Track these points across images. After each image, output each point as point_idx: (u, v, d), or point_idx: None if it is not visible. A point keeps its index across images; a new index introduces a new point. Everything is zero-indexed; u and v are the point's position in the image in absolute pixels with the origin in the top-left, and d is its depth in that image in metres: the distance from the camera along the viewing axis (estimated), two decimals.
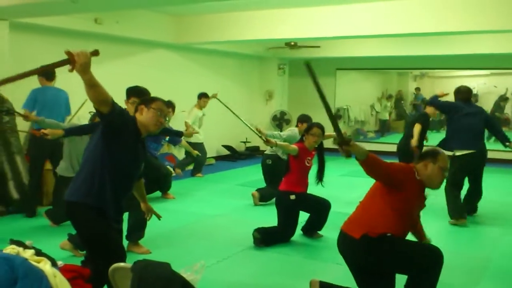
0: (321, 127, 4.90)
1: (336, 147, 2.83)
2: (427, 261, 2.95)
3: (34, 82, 5.90)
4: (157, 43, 8.85)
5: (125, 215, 3.27)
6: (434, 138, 7.16)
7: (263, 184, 6.77)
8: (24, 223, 5.44)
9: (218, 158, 10.72)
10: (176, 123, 8.63)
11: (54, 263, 2.80)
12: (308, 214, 5.05)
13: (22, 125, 6.26)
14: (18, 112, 5.75)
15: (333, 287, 3.24)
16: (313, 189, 4.99)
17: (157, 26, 8.49)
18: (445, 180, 3.24)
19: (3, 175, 5.78)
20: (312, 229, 5.05)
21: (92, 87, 2.61)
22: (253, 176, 8.25)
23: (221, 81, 10.67)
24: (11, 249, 2.66)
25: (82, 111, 6.19)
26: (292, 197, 4.77)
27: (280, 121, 11.40)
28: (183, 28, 8.86)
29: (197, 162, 8.31)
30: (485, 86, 14.48)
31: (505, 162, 10.69)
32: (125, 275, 2.42)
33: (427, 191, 3.12)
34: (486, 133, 5.74)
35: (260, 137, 5.35)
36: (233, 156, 10.89)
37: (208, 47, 9.80)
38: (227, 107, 6.41)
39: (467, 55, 10.01)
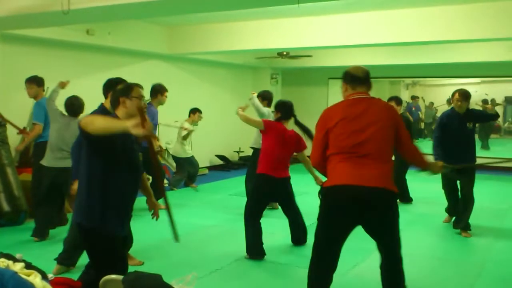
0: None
1: None
2: None
3: (25, 95, 5.88)
4: (150, 53, 8.86)
5: None
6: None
7: None
8: (14, 235, 5.38)
9: (211, 168, 10.70)
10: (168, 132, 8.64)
11: (44, 276, 2.77)
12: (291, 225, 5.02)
13: (13, 137, 6.23)
14: (18, 128, 5.89)
15: None
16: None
17: (150, 36, 8.50)
18: None
19: None
20: (297, 240, 5.02)
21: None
22: None
23: (214, 91, 10.69)
24: (0, 262, 2.64)
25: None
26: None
27: None
28: (176, 39, 8.88)
29: (190, 175, 8.26)
30: (477, 94, 14.61)
31: (498, 170, 10.73)
32: (116, 287, 2.39)
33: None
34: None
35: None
36: (227, 166, 10.88)
37: (201, 57, 9.82)
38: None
39: (458, 63, 10.10)
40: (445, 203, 5.97)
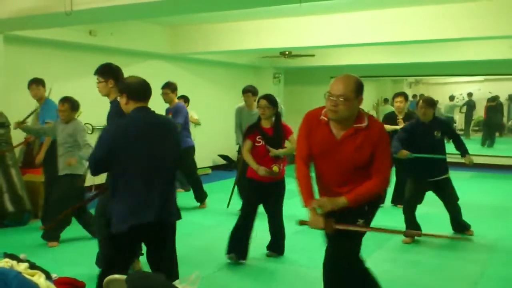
0: (268, 98, 4.51)
1: None
2: None
3: (28, 95, 5.92)
4: (152, 54, 8.87)
5: None
6: None
7: None
8: (18, 236, 5.41)
9: (214, 167, 10.71)
10: None
11: (48, 276, 2.79)
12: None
13: (17, 138, 6.25)
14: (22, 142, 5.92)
15: None
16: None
17: (152, 37, 8.51)
18: None
19: None
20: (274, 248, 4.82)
21: None
22: None
23: (217, 91, 10.69)
24: (5, 263, 2.65)
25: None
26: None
27: None
28: (178, 39, 8.89)
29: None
30: (480, 92, 14.56)
31: (502, 168, 10.71)
32: (119, 286, 2.40)
33: None
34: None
35: None
36: (229, 166, 10.88)
37: (203, 57, 9.83)
38: None
39: (461, 61, 10.07)
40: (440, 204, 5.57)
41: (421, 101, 5.29)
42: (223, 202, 7.11)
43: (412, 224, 5.27)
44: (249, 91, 6.43)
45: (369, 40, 7.56)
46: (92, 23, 6.99)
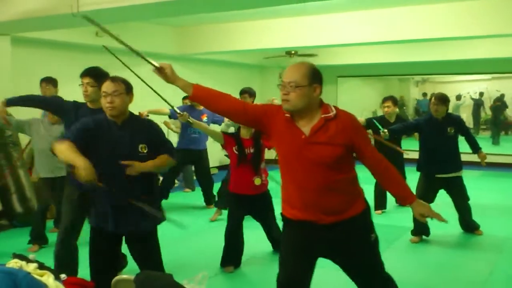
0: None
1: None
2: None
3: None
4: (158, 54, 8.87)
5: None
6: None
7: None
8: (27, 237, 5.42)
9: (221, 167, 10.72)
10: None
11: (57, 276, 2.79)
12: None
13: (24, 139, 6.28)
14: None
15: None
16: None
17: (158, 37, 8.53)
18: None
19: (6, 188, 5.79)
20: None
21: None
22: None
23: (223, 91, 10.67)
24: (14, 263, 2.66)
25: None
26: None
27: None
28: (184, 39, 8.91)
29: (185, 177, 8.23)
30: (487, 90, 14.47)
31: (510, 167, 10.65)
32: (127, 286, 2.41)
33: None
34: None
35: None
36: None
37: (209, 57, 9.84)
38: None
39: (468, 60, 10.02)
40: (450, 202, 5.49)
41: (433, 98, 5.21)
42: None
43: (420, 223, 5.24)
44: (246, 92, 6.38)
45: (375, 39, 7.54)
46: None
